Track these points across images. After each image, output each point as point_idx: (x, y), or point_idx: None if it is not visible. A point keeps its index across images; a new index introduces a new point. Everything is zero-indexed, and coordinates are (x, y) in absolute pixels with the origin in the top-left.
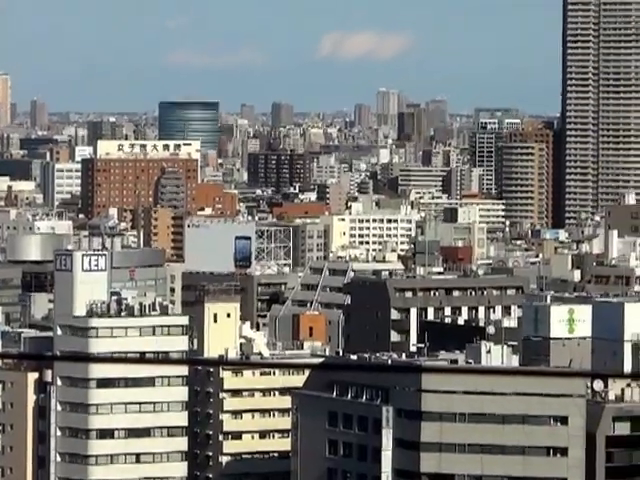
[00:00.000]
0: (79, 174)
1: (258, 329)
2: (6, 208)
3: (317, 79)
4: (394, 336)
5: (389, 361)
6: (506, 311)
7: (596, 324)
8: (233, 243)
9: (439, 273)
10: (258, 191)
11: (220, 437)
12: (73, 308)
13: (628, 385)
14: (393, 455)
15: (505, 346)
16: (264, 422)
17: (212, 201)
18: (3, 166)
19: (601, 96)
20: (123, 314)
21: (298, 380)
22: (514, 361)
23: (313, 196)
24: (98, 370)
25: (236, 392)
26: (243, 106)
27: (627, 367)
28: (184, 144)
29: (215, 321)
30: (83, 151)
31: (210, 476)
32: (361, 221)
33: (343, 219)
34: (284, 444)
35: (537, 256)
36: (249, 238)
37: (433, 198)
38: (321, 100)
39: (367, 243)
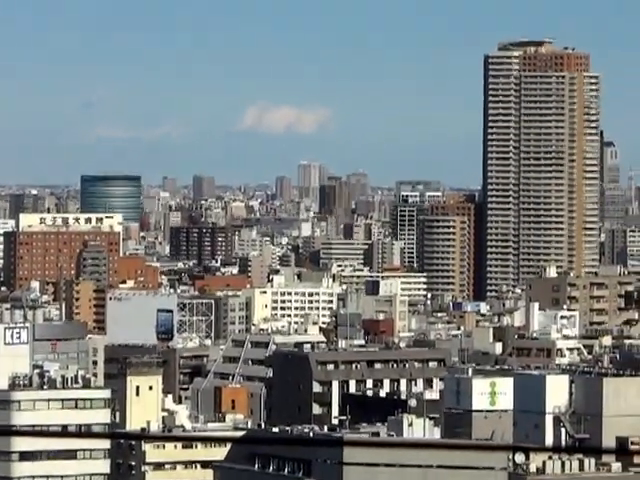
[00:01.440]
0: (1, 247)
1: (180, 402)
2: None
3: (239, 152)
4: (316, 409)
5: (311, 434)
6: (428, 384)
7: (517, 397)
8: (155, 316)
9: (361, 346)
10: (180, 264)
11: None
12: None
13: (549, 458)
14: None
15: (427, 419)
16: None
17: (134, 274)
18: None
19: (522, 170)
20: (45, 387)
21: (220, 453)
22: (436, 434)
23: (235, 269)
24: (20, 443)
25: (158, 465)
26: (165, 179)
27: (548, 440)
28: (106, 217)
29: (137, 394)
30: (5, 224)
31: None
32: (283, 294)
33: (265, 292)
34: None
35: (458, 329)
36: (171, 311)
37: (355, 271)
38: (243, 173)
39: (289, 316)
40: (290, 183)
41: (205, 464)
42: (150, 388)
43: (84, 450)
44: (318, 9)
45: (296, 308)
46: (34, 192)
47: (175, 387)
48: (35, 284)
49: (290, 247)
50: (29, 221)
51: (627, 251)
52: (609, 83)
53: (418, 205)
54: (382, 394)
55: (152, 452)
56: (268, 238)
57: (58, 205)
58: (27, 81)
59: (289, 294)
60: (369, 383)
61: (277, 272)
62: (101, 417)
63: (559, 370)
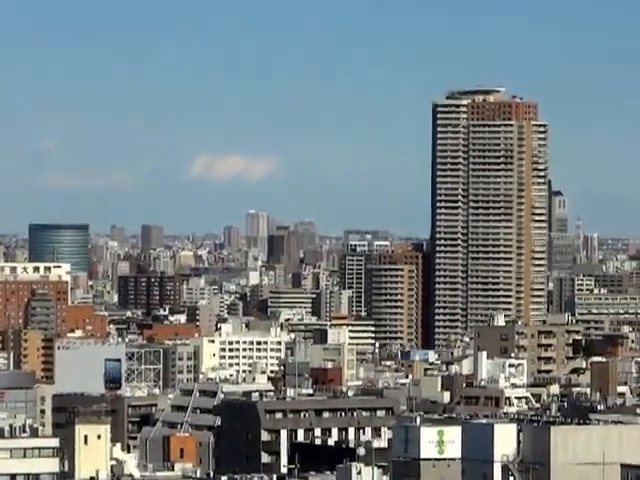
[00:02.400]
0: None
1: (129, 451)
2: None
3: (187, 201)
4: (264, 457)
5: None
6: (376, 432)
7: (466, 445)
8: (103, 365)
9: (309, 394)
10: (128, 313)
11: None
12: None
13: None
14: None
15: (375, 467)
16: None
17: (82, 323)
18: None
19: (470, 218)
20: None
21: None
22: None
23: (183, 318)
24: None
25: None
26: (113, 228)
27: None
28: (54, 266)
29: (86, 443)
30: None
31: None
32: (231, 342)
33: (213, 341)
34: None
35: (407, 377)
36: (119, 360)
37: (303, 319)
38: (191, 222)
39: (237, 364)
40: (238, 232)
41: None
42: (98, 437)
43: None
44: (267, 57)
45: (244, 357)
46: None
47: (123, 436)
48: None
49: (238, 296)
50: None
51: (575, 300)
52: (557, 132)
53: (366, 254)
54: (330, 442)
55: None
56: (216, 287)
57: (6, 254)
58: None
59: (237, 343)
60: (317, 432)
61: (225, 321)
62: (50, 466)
63: (507, 419)
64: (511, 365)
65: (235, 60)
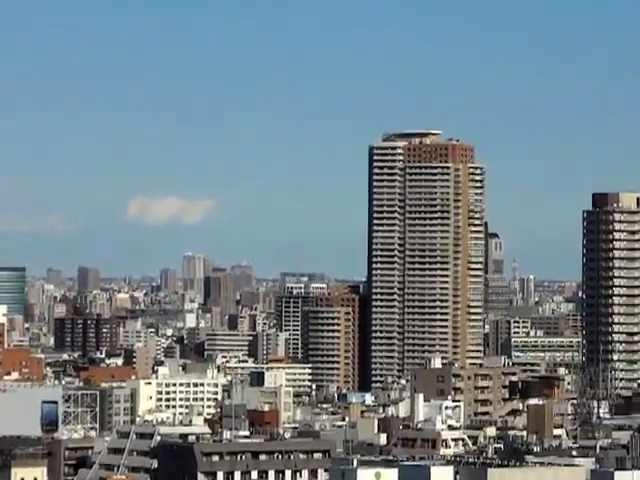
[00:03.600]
0: None
1: None
2: None
3: (123, 243)
4: None
5: None
6: (313, 475)
7: None
8: (40, 407)
9: (246, 437)
10: (65, 355)
11: None
12: None
13: None
14: None
15: None
16: None
17: (19, 365)
18: None
19: (407, 260)
20: None
21: None
22: None
23: (120, 360)
24: None
25: None
26: (49, 270)
27: None
28: None
29: None
30: None
31: None
32: (168, 385)
33: (150, 383)
34: None
35: (343, 419)
36: (56, 402)
37: (239, 362)
38: (127, 264)
39: (174, 407)
40: (175, 274)
41: None
42: (35, 479)
43: None
44: (200, 101)
45: (181, 399)
46: None
47: (60, 478)
48: None
49: (175, 338)
50: None
51: (511, 342)
52: (493, 175)
53: (302, 296)
54: None
55: None
56: (153, 329)
57: None
58: None
59: (174, 385)
60: (254, 474)
61: (162, 363)
62: None
63: (444, 461)
64: (448, 407)
65: (166, 104)
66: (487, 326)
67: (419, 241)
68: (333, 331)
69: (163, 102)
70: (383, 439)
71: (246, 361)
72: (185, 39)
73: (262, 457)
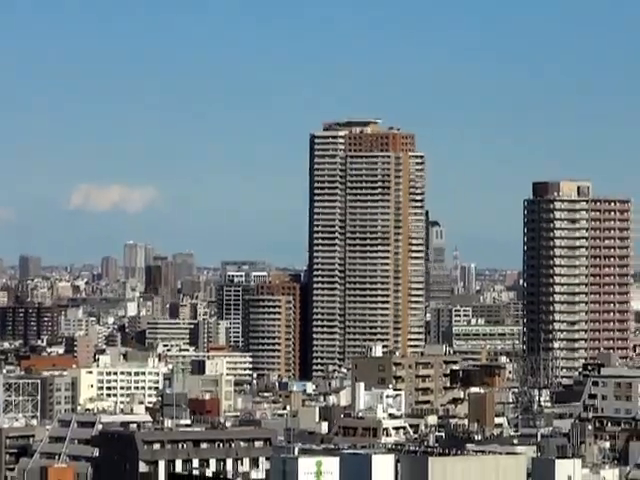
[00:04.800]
0: None
1: None
2: None
3: (65, 232)
4: None
5: None
6: (254, 463)
7: (344, 476)
8: None
9: (187, 425)
10: (6, 344)
11: None
12: None
13: None
14: None
15: None
16: None
17: None
18: None
19: (348, 249)
20: None
21: None
22: None
23: (61, 349)
24: None
25: None
26: None
27: None
28: None
29: None
30: None
31: None
32: (109, 373)
33: (91, 372)
34: None
35: (284, 408)
36: None
37: (180, 350)
38: (69, 253)
39: (115, 395)
40: (116, 263)
41: None
42: None
43: None
44: (143, 88)
45: (122, 388)
46: None
47: (1, 467)
48: None
49: (116, 327)
50: None
51: (452, 330)
52: (434, 163)
53: (243, 285)
54: (208, 473)
55: None
56: (94, 318)
57: None
58: None
59: (115, 374)
60: (195, 463)
61: (103, 352)
62: None
63: (385, 449)
64: (389, 396)
65: (110, 89)
66: (428, 314)
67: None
68: (274, 320)
69: (106, 90)
70: (324, 428)
71: (187, 349)
72: (127, 23)
73: (203, 445)
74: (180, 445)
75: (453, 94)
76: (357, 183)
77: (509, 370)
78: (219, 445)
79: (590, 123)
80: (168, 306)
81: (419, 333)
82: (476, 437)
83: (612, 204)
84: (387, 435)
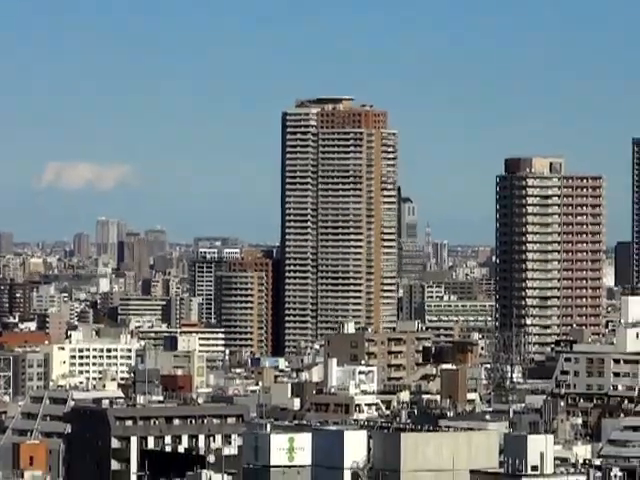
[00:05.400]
0: None
1: None
2: None
3: (37, 208)
4: (114, 465)
5: None
6: (226, 439)
7: (316, 452)
8: None
9: (159, 401)
10: None
11: None
12: None
13: None
14: None
15: (225, 474)
16: None
17: None
18: None
19: (320, 225)
20: None
21: None
22: None
23: (33, 325)
24: None
25: None
26: None
27: None
28: None
29: None
30: None
31: None
32: (81, 350)
33: (63, 348)
34: None
35: (257, 384)
36: None
37: (153, 327)
38: (41, 229)
39: (87, 372)
40: (88, 239)
41: None
42: None
43: None
44: (116, 66)
45: (94, 364)
46: None
47: None
48: None
49: (88, 303)
50: None
51: (425, 306)
52: (407, 140)
53: (216, 261)
54: (181, 450)
55: None
56: (66, 294)
57: None
58: None
59: (87, 350)
60: (168, 439)
61: (75, 328)
62: None
63: (357, 425)
64: (361, 372)
65: (83, 67)
66: (401, 290)
67: (332, 210)
68: (246, 296)
69: (78, 67)
70: (297, 404)
71: (159, 326)
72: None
73: (175, 422)
74: (152, 421)
75: (426, 72)
76: (329, 160)
77: (481, 346)
78: (191, 421)
79: (563, 99)
80: (140, 282)
81: (392, 315)
82: (448, 413)
83: (584, 181)
84: (359, 411)
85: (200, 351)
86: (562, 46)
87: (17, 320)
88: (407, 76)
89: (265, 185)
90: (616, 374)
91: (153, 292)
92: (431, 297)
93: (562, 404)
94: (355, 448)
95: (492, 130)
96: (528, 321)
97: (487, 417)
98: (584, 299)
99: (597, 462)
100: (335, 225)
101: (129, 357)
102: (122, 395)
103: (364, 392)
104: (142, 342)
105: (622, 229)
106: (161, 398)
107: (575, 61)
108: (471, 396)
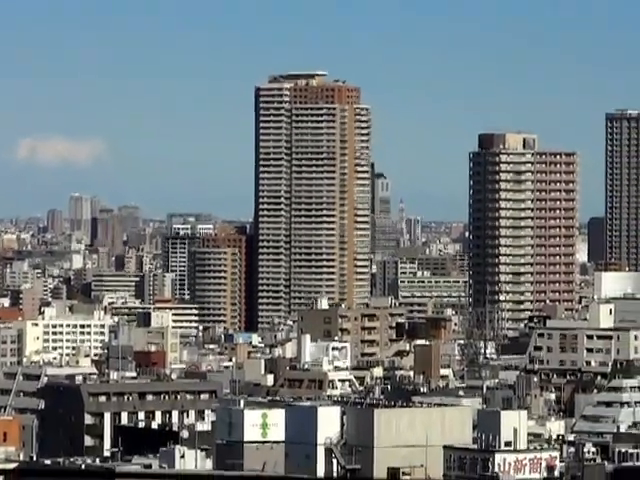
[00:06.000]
0: None
1: None
2: None
3: (11, 184)
4: (88, 440)
5: (83, 466)
6: (200, 415)
7: (289, 428)
8: None
9: (132, 377)
10: None
11: None
12: None
13: None
14: None
15: (199, 450)
16: None
17: None
18: None
19: (293, 202)
20: None
21: None
22: (208, 465)
23: (6, 301)
24: None
25: None
26: None
27: (320, 471)
28: None
29: None
30: None
31: None
32: (54, 326)
33: (36, 324)
34: None
35: (230, 360)
36: None
37: (126, 303)
38: (15, 205)
39: (61, 348)
40: (61, 215)
41: None
42: None
43: None
44: (89, 42)
45: (68, 340)
46: None
47: None
48: None
49: (61, 279)
50: None
51: (398, 283)
52: (380, 115)
53: (189, 237)
54: (154, 426)
55: None
56: (39, 270)
57: None
58: None
59: (61, 326)
60: (141, 415)
61: (49, 304)
62: None
63: (331, 401)
64: (334, 348)
65: (55, 44)
66: (374, 266)
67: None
68: (220, 272)
69: (50, 43)
70: (270, 380)
71: (133, 302)
72: None
73: (149, 398)
74: (126, 397)
75: (399, 47)
76: (303, 135)
77: (455, 322)
78: (165, 397)
79: (536, 75)
80: (114, 258)
81: (365, 286)
82: (422, 389)
83: (558, 157)
84: (333, 387)
85: (173, 327)
86: (535, 22)
87: None
88: (380, 52)
89: (238, 161)
90: (589, 350)
91: (126, 268)
92: (404, 273)
93: (535, 380)
94: (328, 424)
95: (466, 106)
96: (501, 297)
97: (460, 393)
98: (557, 275)
99: (570, 438)
100: (308, 204)
101: (102, 333)
102: (95, 371)
103: (337, 368)
104: (115, 318)
105: (595, 205)
106: (134, 374)
107: (549, 37)
108: (444, 372)
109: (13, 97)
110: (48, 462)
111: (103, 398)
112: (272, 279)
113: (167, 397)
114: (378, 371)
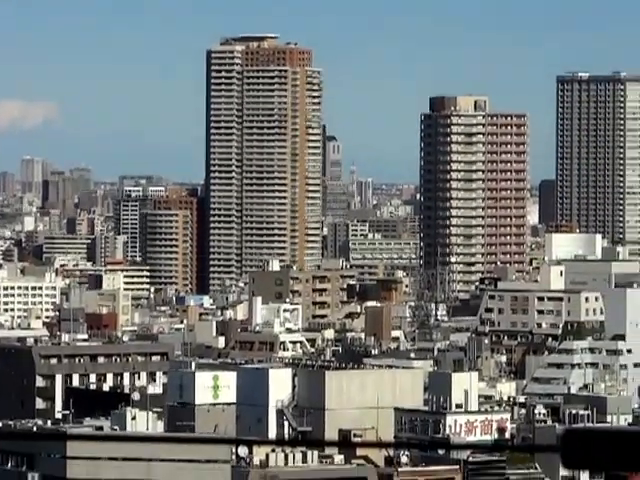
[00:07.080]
0: None
1: None
2: None
3: None
4: (39, 403)
5: (34, 428)
6: (151, 377)
7: (241, 390)
8: None
9: (84, 340)
10: None
11: None
12: None
13: (272, 451)
14: None
15: (150, 412)
16: None
17: None
18: None
19: (245, 163)
20: None
21: None
22: (159, 427)
23: None
24: None
25: None
26: None
27: (271, 433)
28: None
29: None
30: None
31: None
32: (6, 288)
33: None
34: None
35: (182, 322)
36: None
37: (77, 265)
38: None
39: (12, 310)
40: (13, 178)
41: None
42: None
43: None
44: (51, 6)
45: (19, 302)
46: None
47: None
48: None
49: (13, 242)
50: None
51: (349, 245)
52: (332, 78)
53: (141, 199)
54: (105, 388)
55: None
56: None
57: None
58: None
59: (12, 288)
60: (92, 377)
61: (0, 267)
62: None
63: (282, 363)
64: (286, 310)
65: (7, 2)
66: (325, 229)
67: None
68: (171, 234)
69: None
70: (221, 342)
71: (84, 264)
72: None
73: (100, 360)
74: (77, 359)
75: (350, 10)
76: (254, 98)
77: (406, 284)
78: (116, 359)
79: (487, 37)
80: (65, 221)
81: (316, 248)
82: (373, 351)
83: (509, 118)
84: (284, 349)
85: (125, 289)
86: None
87: None
88: (331, 15)
89: (190, 124)
90: (540, 312)
91: (78, 230)
92: (355, 235)
93: (486, 342)
94: (280, 386)
95: (418, 68)
96: (452, 259)
97: (412, 355)
98: (508, 237)
99: (521, 399)
100: (260, 167)
101: (54, 295)
102: (47, 333)
103: (289, 330)
104: (67, 280)
105: (546, 167)
106: (86, 336)
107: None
108: (395, 334)
109: None
110: None
111: (54, 360)
112: (224, 241)
113: (119, 359)
114: (329, 333)
